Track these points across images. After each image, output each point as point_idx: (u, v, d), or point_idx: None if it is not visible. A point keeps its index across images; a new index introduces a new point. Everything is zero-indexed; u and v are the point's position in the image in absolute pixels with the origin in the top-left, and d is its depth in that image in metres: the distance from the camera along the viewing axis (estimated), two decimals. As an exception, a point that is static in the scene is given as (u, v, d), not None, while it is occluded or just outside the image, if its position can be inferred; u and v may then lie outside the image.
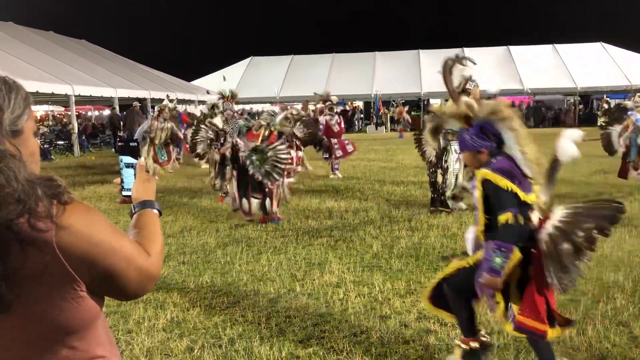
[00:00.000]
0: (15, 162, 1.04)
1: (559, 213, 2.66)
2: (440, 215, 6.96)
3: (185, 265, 5.09)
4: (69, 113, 22.12)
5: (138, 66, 29.29)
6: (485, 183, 2.63)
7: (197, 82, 34.65)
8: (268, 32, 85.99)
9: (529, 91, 30.87)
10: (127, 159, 1.51)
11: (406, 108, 29.93)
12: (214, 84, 32.36)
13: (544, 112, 32.63)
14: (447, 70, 2.91)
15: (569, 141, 2.79)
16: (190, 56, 75.67)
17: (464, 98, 2.86)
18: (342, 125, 11.81)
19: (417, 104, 33.08)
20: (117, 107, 20.98)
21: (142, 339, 3.50)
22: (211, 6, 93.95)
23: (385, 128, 30.21)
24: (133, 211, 1.38)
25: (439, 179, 7.23)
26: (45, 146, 18.78)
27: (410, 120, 28.72)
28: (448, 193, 7.23)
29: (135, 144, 1.56)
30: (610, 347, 3.18)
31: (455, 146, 7.19)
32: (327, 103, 11.61)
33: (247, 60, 38.11)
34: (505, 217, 2.54)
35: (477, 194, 2.69)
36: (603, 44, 34.88)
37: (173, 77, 30.25)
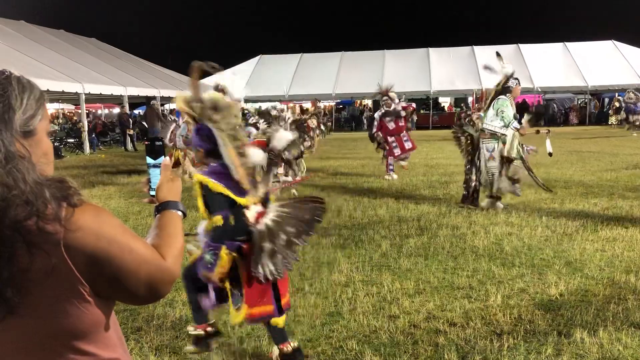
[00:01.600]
0: (24, 163, 1.04)
1: (272, 211, 2.89)
2: (449, 215, 6.93)
3: (194, 264, 5.10)
4: (79, 111, 22.26)
5: (147, 64, 29.43)
6: (201, 186, 2.80)
7: (205, 80, 34.66)
8: (277, 30, 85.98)
9: (539, 90, 30.67)
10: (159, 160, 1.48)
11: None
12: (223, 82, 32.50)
13: (554, 111, 32.42)
14: (194, 72, 2.94)
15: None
16: (199, 54, 75.78)
17: (184, 95, 2.90)
18: (401, 122, 10.70)
19: (425, 102, 32.98)
20: (127, 106, 21.07)
21: (151, 337, 3.51)
22: (221, 4, 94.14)
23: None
24: (155, 212, 1.35)
25: (473, 176, 7.35)
26: (55, 144, 18.91)
27: (416, 119, 28.57)
28: (485, 192, 7.42)
29: (160, 143, 1.53)
30: (621, 349, 3.14)
31: (487, 144, 7.19)
32: (384, 98, 10.65)
33: (256, 58, 38.11)
34: (216, 219, 2.78)
35: (196, 195, 2.83)
36: (614, 42, 34.56)
37: (182, 75, 30.31)
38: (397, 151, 10.55)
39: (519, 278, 4.42)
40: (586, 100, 34.04)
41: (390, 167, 10.56)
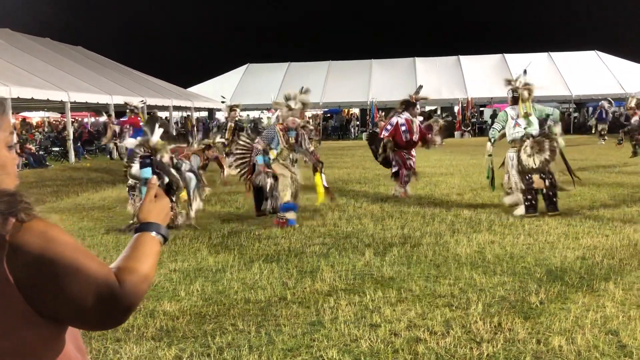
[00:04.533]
0: None
1: None
2: (433, 223, 6.96)
3: (177, 273, 5.07)
4: (65, 119, 22.12)
5: (134, 73, 29.34)
6: None
7: (193, 89, 34.68)
8: (265, 39, 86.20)
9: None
10: (146, 174, 1.45)
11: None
12: (210, 90, 32.51)
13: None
14: None
15: None
16: (187, 63, 75.76)
17: None
18: (415, 136, 9.08)
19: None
20: (113, 114, 20.97)
21: (130, 347, 3.49)
22: (208, 13, 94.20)
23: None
24: (134, 232, 1.28)
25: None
26: (41, 152, 18.75)
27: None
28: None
29: (149, 160, 1.48)
30: (599, 356, 3.17)
31: (509, 153, 7.62)
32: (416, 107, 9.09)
33: (244, 67, 38.23)
34: None
35: None
36: (598, 52, 35.11)
37: (169, 84, 30.30)
38: (410, 163, 9.10)
39: (500, 286, 4.45)
40: (570, 109, 34.45)
41: (406, 179, 9.10)
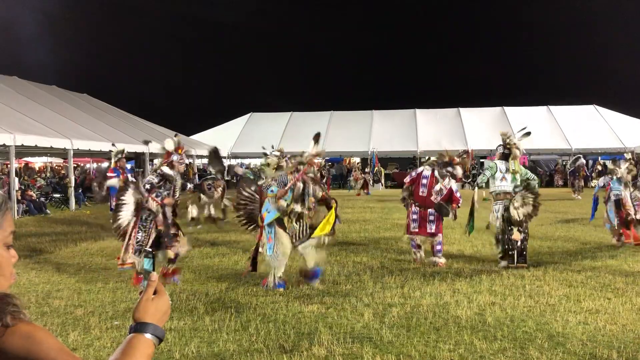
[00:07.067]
0: None
1: None
2: (433, 282, 6.89)
3: (172, 333, 4.98)
4: (67, 165, 22.23)
5: (138, 120, 29.72)
6: None
7: (196, 137, 35.02)
8: (268, 89, 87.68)
9: (524, 151, 31.17)
10: (147, 266, 1.41)
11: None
12: (213, 138, 32.81)
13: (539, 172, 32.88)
14: None
15: None
16: (191, 112, 76.83)
17: None
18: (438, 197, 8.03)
19: (412, 162, 33.39)
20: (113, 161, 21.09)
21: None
22: (213, 62, 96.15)
23: (382, 185, 30.34)
24: (129, 331, 1.24)
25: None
26: (41, 199, 18.76)
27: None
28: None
29: (152, 251, 1.44)
30: None
31: (495, 206, 8.02)
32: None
33: (247, 116, 38.71)
34: None
35: None
36: (596, 106, 35.60)
37: (173, 132, 30.59)
38: (413, 226, 8.21)
39: (501, 353, 4.37)
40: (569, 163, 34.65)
41: (413, 243, 8.27)
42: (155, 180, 6.79)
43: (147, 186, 6.77)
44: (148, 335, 1.23)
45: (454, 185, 8.12)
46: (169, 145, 7.03)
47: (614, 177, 9.69)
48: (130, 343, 1.21)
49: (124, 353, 1.19)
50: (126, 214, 6.63)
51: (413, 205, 8.23)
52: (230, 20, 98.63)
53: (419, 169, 8.49)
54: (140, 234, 6.60)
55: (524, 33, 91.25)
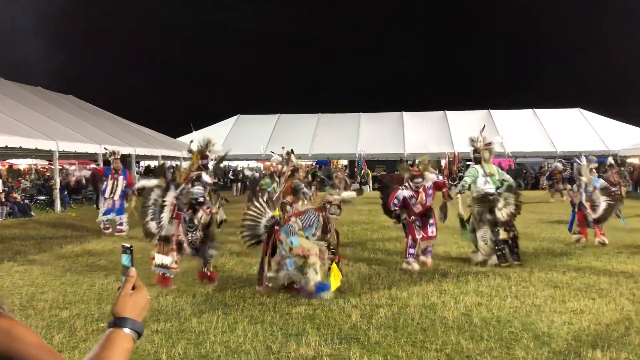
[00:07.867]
0: None
1: None
2: (421, 283, 6.91)
3: (159, 334, 4.95)
4: (52, 167, 22.02)
5: (124, 122, 29.51)
6: None
7: (183, 139, 34.83)
8: (255, 91, 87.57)
9: (510, 154, 31.49)
10: (125, 262, 1.41)
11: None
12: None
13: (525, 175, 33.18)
14: None
15: None
16: (178, 114, 76.50)
17: None
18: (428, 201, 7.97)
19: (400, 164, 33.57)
20: (102, 163, 20.92)
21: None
22: (200, 64, 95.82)
23: (369, 187, 30.42)
24: (108, 326, 1.25)
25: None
26: (25, 201, 18.56)
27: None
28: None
29: (130, 247, 1.44)
30: None
31: (477, 208, 8.27)
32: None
33: (234, 118, 38.66)
34: None
35: None
36: (581, 110, 36.01)
37: (159, 134, 30.45)
38: (418, 234, 7.98)
39: (487, 352, 4.40)
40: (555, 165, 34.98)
41: (411, 252, 7.98)
42: (204, 192, 6.93)
43: (201, 199, 6.87)
44: (127, 330, 1.24)
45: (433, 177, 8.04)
46: (195, 147, 7.25)
47: (581, 182, 10.04)
48: (109, 338, 1.22)
49: (102, 347, 1.19)
50: (167, 215, 6.69)
51: (412, 221, 7.96)
52: (217, 22, 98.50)
53: (399, 196, 7.93)
54: (190, 235, 6.86)
55: (510, 37, 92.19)
